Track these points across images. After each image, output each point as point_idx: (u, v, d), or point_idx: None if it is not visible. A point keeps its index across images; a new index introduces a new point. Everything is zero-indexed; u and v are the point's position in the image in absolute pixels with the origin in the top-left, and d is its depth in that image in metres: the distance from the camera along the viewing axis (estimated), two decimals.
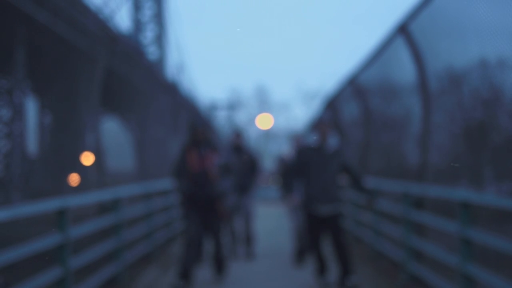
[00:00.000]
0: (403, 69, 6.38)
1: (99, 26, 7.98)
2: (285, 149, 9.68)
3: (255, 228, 8.43)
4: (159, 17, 35.70)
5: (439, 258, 5.13)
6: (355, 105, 9.50)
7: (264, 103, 55.14)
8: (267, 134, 51.68)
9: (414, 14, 5.54)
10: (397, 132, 7.94)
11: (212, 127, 34.30)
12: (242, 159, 8.09)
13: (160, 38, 35.83)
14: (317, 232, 5.93)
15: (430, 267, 5.58)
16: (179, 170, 6.15)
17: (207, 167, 6.07)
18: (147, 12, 36.20)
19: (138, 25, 35.37)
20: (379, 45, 6.93)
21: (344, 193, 8.06)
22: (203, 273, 6.69)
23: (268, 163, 30.49)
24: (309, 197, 5.85)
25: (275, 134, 53.63)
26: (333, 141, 5.88)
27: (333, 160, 5.83)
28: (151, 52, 35.84)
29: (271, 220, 13.30)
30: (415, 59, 5.84)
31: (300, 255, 7.58)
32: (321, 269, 6.05)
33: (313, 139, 5.96)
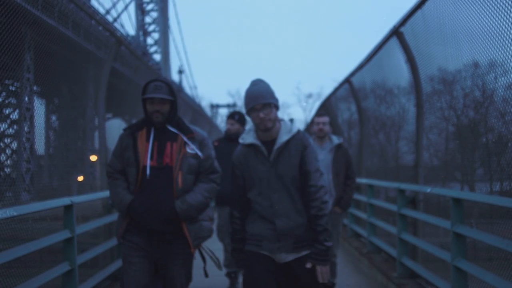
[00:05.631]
0: (397, 69, 6.57)
1: (106, 28, 8.17)
2: None
3: None
4: (162, 21, 36.04)
5: (433, 253, 5.30)
6: (350, 105, 9.68)
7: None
8: None
9: (407, 16, 5.72)
10: (390, 130, 8.09)
11: (213, 124, 33.79)
12: None
13: (163, 41, 36.17)
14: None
15: (425, 262, 5.76)
16: (121, 169, 3.52)
17: (172, 163, 3.41)
18: (151, 15, 36.63)
19: (143, 28, 35.74)
20: (375, 46, 7.13)
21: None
22: None
23: None
24: (254, 230, 3.28)
25: None
26: (291, 130, 3.28)
27: (288, 168, 3.21)
28: (154, 51, 36.22)
29: None
30: (407, 58, 6.04)
31: None
32: None
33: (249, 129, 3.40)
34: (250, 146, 3.30)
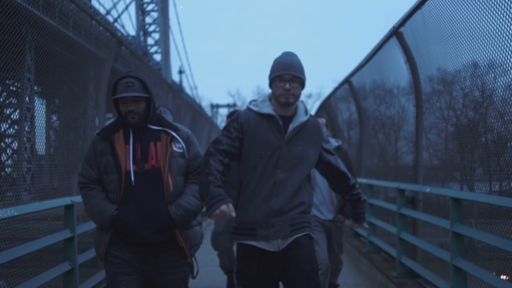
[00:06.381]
0: (397, 69, 6.60)
1: (106, 28, 8.17)
2: None
3: None
4: (162, 22, 36.11)
5: (432, 253, 5.32)
6: (349, 105, 9.72)
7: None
8: None
9: (407, 17, 5.74)
10: (390, 130, 8.11)
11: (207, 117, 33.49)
12: None
13: (163, 42, 36.24)
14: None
15: (424, 262, 5.78)
16: (96, 179, 3.11)
17: (159, 164, 3.04)
18: (152, 15, 36.74)
19: (143, 28, 35.83)
20: (375, 46, 7.15)
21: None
22: None
23: None
24: (245, 217, 2.99)
25: None
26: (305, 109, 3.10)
27: (304, 149, 3.02)
28: (155, 51, 36.34)
29: None
30: (406, 58, 6.06)
31: None
32: None
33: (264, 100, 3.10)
34: (265, 116, 3.00)
